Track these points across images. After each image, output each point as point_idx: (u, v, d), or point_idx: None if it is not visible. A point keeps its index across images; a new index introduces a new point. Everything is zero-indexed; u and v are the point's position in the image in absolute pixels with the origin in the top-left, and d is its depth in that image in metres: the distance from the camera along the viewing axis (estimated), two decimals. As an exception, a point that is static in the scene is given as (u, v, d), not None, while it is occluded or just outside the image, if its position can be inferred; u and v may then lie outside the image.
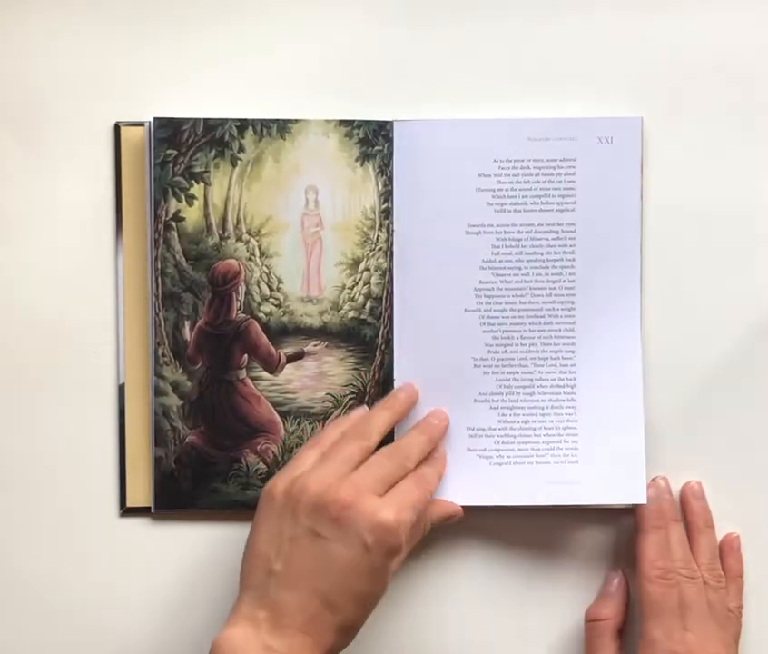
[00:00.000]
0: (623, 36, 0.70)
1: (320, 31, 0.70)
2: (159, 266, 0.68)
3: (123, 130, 0.69)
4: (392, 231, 0.69)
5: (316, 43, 0.70)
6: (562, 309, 0.69)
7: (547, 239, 0.69)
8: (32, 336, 0.70)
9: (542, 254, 0.69)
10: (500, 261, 0.69)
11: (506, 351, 0.69)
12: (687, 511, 0.69)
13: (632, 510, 0.69)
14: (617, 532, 0.70)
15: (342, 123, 0.69)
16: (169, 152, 0.68)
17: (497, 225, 0.68)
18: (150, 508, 0.69)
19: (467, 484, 0.68)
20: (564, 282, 0.69)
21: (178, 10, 0.69)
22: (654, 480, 0.69)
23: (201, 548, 0.70)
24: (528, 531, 0.70)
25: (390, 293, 0.69)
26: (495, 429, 0.69)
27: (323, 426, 0.69)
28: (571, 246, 0.69)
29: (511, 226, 0.68)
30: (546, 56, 0.70)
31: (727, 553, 0.68)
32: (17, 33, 0.69)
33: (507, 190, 0.69)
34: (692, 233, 0.70)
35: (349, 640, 0.61)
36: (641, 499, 0.67)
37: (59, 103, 0.69)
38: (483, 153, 0.69)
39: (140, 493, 0.70)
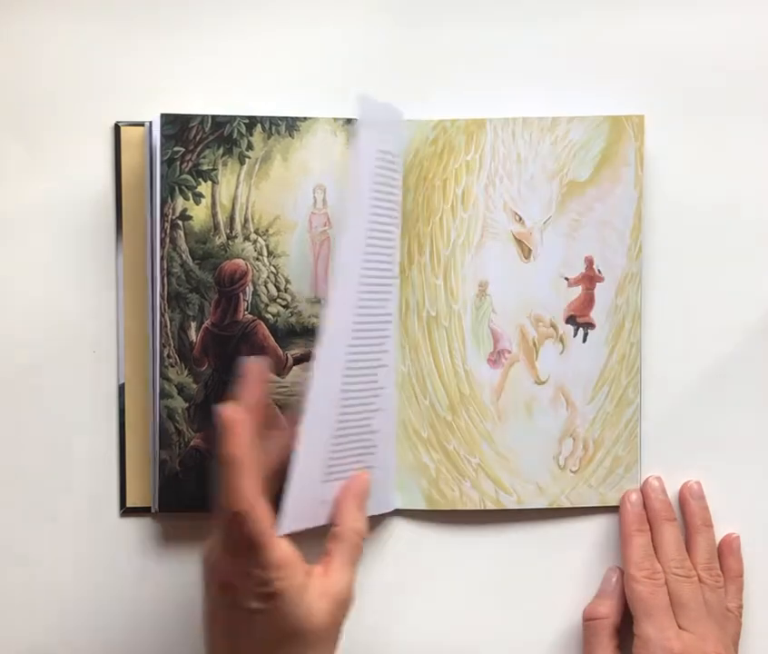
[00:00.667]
0: (624, 36, 0.70)
1: (325, 29, 0.70)
2: (165, 266, 0.68)
3: (123, 130, 0.69)
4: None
5: (321, 41, 0.70)
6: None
7: None
8: (31, 336, 0.70)
9: None
10: None
11: None
12: (686, 511, 0.69)
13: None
14: (616, 531, 0.70)
15: (351, 121, 0.68)
16: (176, 149, 0.67)
17: None
18: (150, 508, 0.69)
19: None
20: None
21: (179, 10, 0.69)
22: (646, 480, 0.69)
23: (201, 548, 0.70)
24: (527, 530, 0.70)
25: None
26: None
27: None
28: None
29: None
30: (547, 56, 0.70)
31: (727, 553, 0.68)
32: (17, 33, 0.69)
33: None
34: (692, 233, 0.70)
35: None
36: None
37: (59, 103, 0.69)
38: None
39: (140, 493, 0.69)
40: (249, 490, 0.56)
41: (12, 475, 0.70)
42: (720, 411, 0.70)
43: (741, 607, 0.68)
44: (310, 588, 0.58)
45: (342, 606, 0.60)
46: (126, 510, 0.70)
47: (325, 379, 0.62)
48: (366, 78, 0.70)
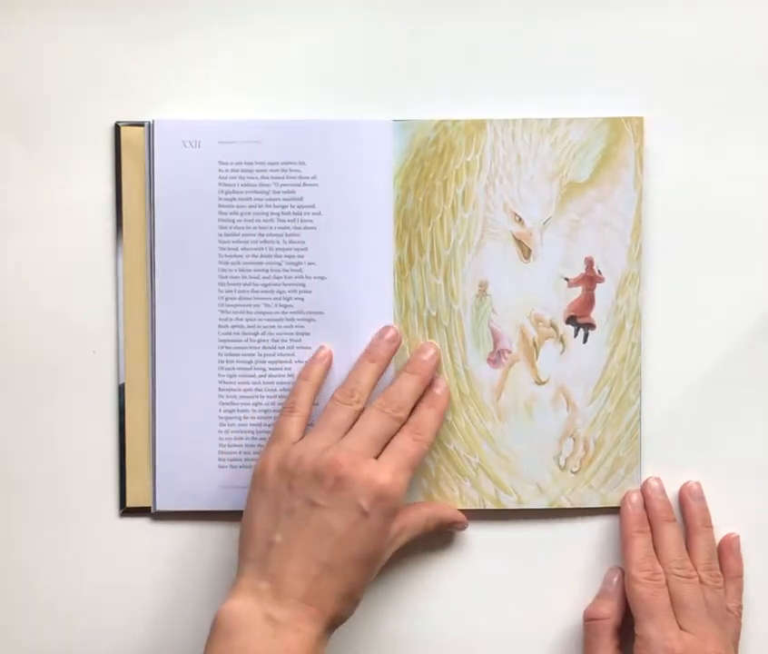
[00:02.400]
0: (623, 37, 0.69)
1: (320, 31, 0.70)
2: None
3: (123, 130, 0.69)
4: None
5: (317, 43, 0.70)
6: None
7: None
8: (32, 336, 0.70)
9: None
10: None
11: None
12: (685, 512, 0.69)
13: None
14: (616, 532, 0.70)
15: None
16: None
17: None
18: (150, 508, 0.69)
19: None
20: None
21: (178, 10, 0.69)
22: (646, 481, 0.69)
23: (202, 547, 0.70)
24: (527, 530, 0.70)
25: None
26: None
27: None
28: None
29: None
30: (547, 57, 0.70)
31: (727, 554, 0.68)
32: (17, 33, 0.69)
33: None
34: (692, 234, 0.70)
35: (352, 608, 0.62)
36: None
37: (59, 103, 0.69)
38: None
39: (140, 493, 0.69)
40: None
41: (12, 475, 0.70)
42: (720, 411, 0.70)
43: (740, 607, 0.68)
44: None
45: None
46: (126, 510, 0.70)
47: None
48: (366, 79, 0.70)
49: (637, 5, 0.69)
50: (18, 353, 0.70)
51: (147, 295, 0.69)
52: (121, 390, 0.70)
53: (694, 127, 0.69)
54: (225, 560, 0.69)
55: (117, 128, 0.69)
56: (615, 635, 0.67)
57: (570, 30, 0.70)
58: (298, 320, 0.69)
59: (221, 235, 0.68)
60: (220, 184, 0.68)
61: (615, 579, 0.69)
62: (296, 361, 0.68)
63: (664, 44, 0.69)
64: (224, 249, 0.68)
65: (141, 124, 0.69)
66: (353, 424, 0.64)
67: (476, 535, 0.70)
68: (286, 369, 0.69)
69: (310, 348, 0.68)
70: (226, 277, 0.68)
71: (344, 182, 0.68)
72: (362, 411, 0.65)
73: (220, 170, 0.68)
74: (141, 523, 0.70)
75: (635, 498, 0.68)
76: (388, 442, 0.63)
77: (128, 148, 0.69)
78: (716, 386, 0.70)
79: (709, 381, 0.70)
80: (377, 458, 0.62)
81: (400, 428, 0.64)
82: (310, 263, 0.68)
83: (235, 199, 0.68)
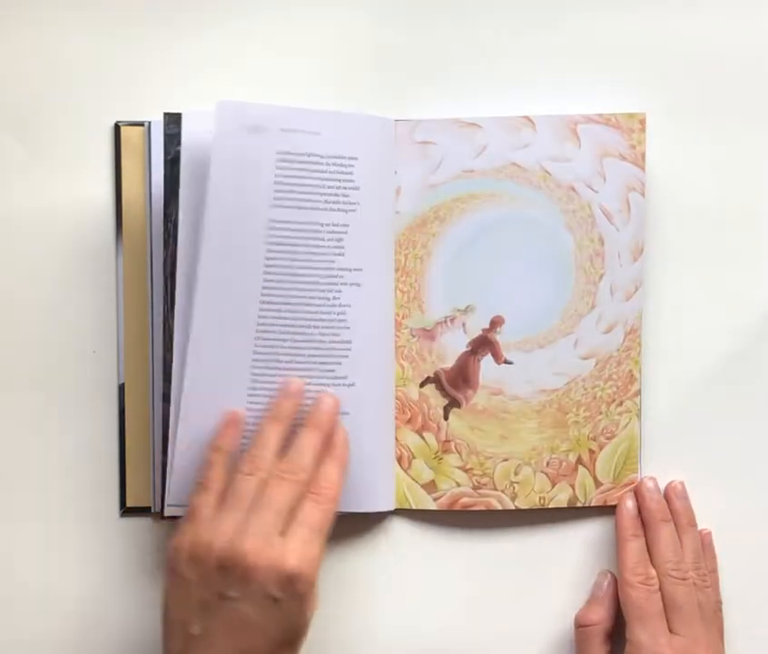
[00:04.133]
0: (625, 34, 0.70)
1: (320, 31, 0.70)
2: (168, 267, 0.67)
3: (123, 130, 0.69)
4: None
5: (316, 43, 0.70)
6: None
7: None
8: (32, 336, 0.70)
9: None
10: None
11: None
12: (671, 512, 0.68)
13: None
14: (608, 535, 0.70)
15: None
16: (178, 149, 0.66)
17: None
18: (150, 508, 0.69)
19: None
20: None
21: (178, 10, 0.69)
22: (641, 481, 0.69)
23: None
24: (519, 533, 0.70)
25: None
26: None
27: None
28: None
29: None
30: (548, 54, 0.70)
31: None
32: (17, 33, 0.69)
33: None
34: (693, 233, 0.70)
35: None
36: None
37: (59, 102, 0.69)
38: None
39: (140, 493, 0.69)
40: None
41: (12, 475, 0.70)
42: (720, 411, 0.70)
43: (720, 602, 0.68)
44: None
45: None
46: (126, 510, 0.70)
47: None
48: (358, 80, 0.70)
49: (639, 5, 0.69)
50: (18, 353, 0.70)
51: (147, 295, 0.69)
52: (121, 390, 0.70)
53: (695, 125, 0.70)
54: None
55: (117, 128, 0.69)
56: (606, 640, 0.67)
57: (571, 29, 0.70)
58: (335, 317, 0.67)
59: (271, 229, 0.66)
60: (277, 175, 0.65)
61: (606, 584, 0.69)
62: (330, 360, 0.67)
63: (667, 44, 0.70)
64: (273, 243, 0.66)
65: (141, 124, 0.69)
66: (259, 492, 0.62)
67: (474, 535, 0.70)
68: (319, 369, 0.67)
69: (343, 343, 0.67)
70: (271, 271, 0.66)
71: (381, 179, 0.68)
72: (269, 475, 0.62)
73: (278, 160, 0.65)
74: (141, 523, 0.70)
75: (630, 502, 0.68)
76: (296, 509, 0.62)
77: (128, 148, 0.69)
78: (717, 386, 0.70)
79: (709, 381, 0.70)
80: (284, 533, 0.61)
81: (305, 491, 0.62)
82: (347, 267, 0.67)
83: (291, 191, 0.66)
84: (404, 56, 0.70)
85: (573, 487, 0.69)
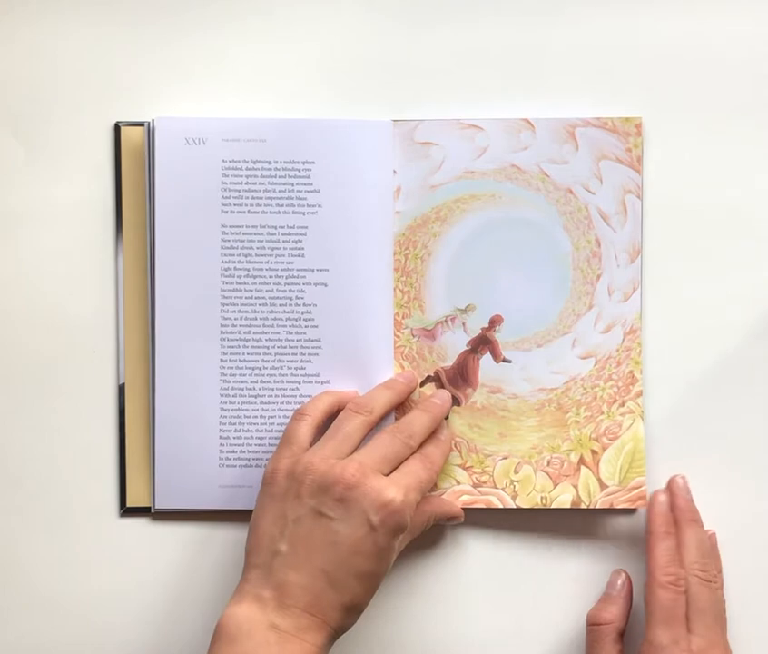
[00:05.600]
0: (622, 38, 0.70)
1: (320, 31, 0.70)
2: (158, 267, 0.69)
3: (123, 130, 0.69)
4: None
5: (316, 43, 0.70)
6: None
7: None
8: (32, 336, 0.69)
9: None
10: None
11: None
12: (674, 507, 0.68)
13: (631, 511, 0.69)
14: (619, 533, 0.70)
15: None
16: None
17: None
18: (150, 508, 0.69)
19: None
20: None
21: (178, 10, 0.70)
22: (672, 479, 0.68)
23: (201, 547, 0.70)
24: (529, 531, 0.70)
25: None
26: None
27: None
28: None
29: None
30: (547, 56, 0.70)
31: None
32: (18, 33, 0.69)
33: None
34: (692, 234, 0.70)
35: (354, 620, 0.62)
36: None
37: (59, 103, 0.69)
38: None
39: (140, 493, 0.69)
40: None
41: (12, 475, 0.70)
42: (721, 411, 0.70)
43: (724, 602, 0.67)
44: None
45: None
46: (126, 510, 0.70)
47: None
48: (366, 79, 0.70)
49: (637, 6, 0.70)
50: (18, 353, 0.69)
51: (147, 295, 0.69)
52: (121, 390, 0.69)
53: (693, 127, 0.70)
54: (225, 560, 0.69)
55: (117, 128, 0.69)
56: (618, 640, 0.66)
57: (570, 31, 0.70)
58: (300, 316, 0.69)
59: (224, 234, 0.68)
60: (223, 183, 0.68)
61: (620, 583, 0.68)
62: (298, 358, 0.69)
63: (664, 45, 0.70)
64: (227, 248, 0.68)
65: (141, 124, 0.69)
66: (364, 437, 0.64)
67: (476, 535, 0.70)
68: (288, 367, 0.69)
69: (311, 341, 0.69)
70: (228, 276, 0.68)
71: (345, 181, 0.68)
72: (374, 424, 0.65)
73: (223, 168, 0.68)
74: (141, 523, 0.70)
75: (663, 497, 0.68)
76: (398, 466, 0.64)
77: (128, 148, 0.69)
78: (717, 386, 0.70)
79: (709, 381, 0.70)
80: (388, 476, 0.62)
81: (410, 456, 0.64)
82: (309, 268, 0.68)
83: (239, 197, 0.68)
84: (404, 57, 0.70)
85: (576, 488, 0.69)
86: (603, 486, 0.69)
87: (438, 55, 0.70)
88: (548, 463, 0.69)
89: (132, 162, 0.69)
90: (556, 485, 0.69)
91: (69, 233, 0.69)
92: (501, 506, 0.69)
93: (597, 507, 0.69)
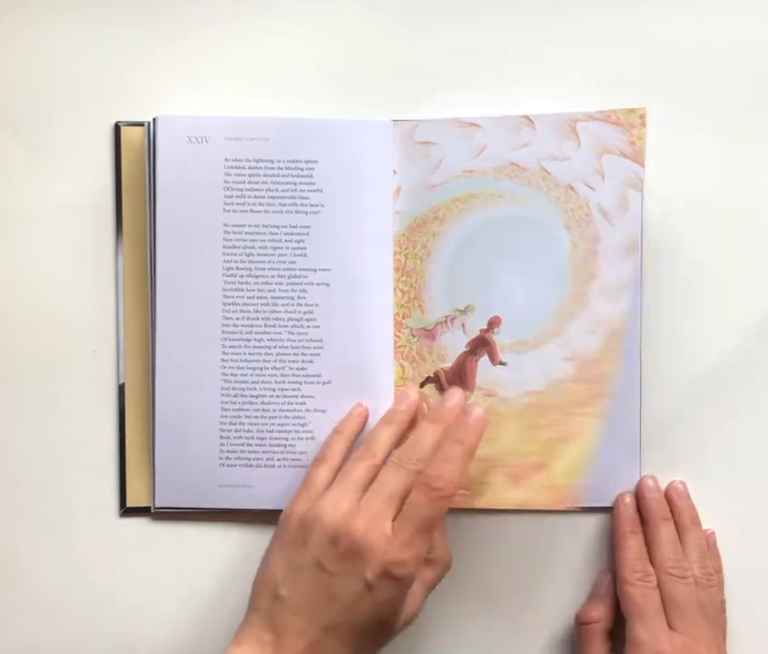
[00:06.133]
0: (624, 32, 0.70)
1: (320, 31, 0.70)
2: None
3: (123, 130, 0.69)
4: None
5: (316, 42, 0.70)
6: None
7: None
8: (32, 336, 0.70)
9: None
10: None
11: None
12: (673, 511, 0.68)
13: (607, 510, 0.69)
14: (608, 534, 0.69)
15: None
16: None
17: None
18: (150, 508, 0.69)
19: None
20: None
21: (178, 10, 0.70)
22: (641, 479, 0.69)
23: (202, 547, 0.70)
24: (524, 531, 0.70)
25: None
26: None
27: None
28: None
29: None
30: (547, 54, 0.70)
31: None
32: (18, 33, 0.69)
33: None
34: (692, 232, 0.69)
35: None
36: None
37: (59, 102, 0.69)
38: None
39: (140, 493, 0.69)
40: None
41: (12, 475, 0.70)
42: (720, 411, 0.70)
43: (724, 602, 0.68)
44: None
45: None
46: (126, 510, 0.70)
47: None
48: (358, 80, 0.70)
49: (639, 1, 0.69)
50: (18, 353, 0.70)
51: (147, 295, 0.69)
52: (121, 390, 0.70)
53: (695, 123, 0.69)
54: (225, 560, 0.69)
55: (117, 128, 0.69)
56: (607, 638, 0.67)
57: (570, 27, 0.70)
58: (301, 317, 0.68)
59: (226, 233, 0.68)
60: (225, 181, 0.68)
61: (607, 582, 0.68)
62: (300, 359, 0.68)
63: (667, 40, 0.69)
64: (229, 247, 0.68)
65: (141, 124, 0.69)
66: (370, 481, 0.63)
67: (474, 535, 0.70)
68: (289, 367, 0.68)
69: (313, 342, 0.68)
70: (230, 275, 0.68)
71: (347, 181, 0.68)
72: (380, 466, 0.63)
73: (226, 167, 0.68)
74: (141, 523, 0.70)
75: (628, 499, 0.68)
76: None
77: (128, 148, 0.69)
78: (716, 386, 0.69)
79: (709, 381, 0.70)
80: (395, 519, 0.61)
81: (418, 480, 0.62)
82: (312, 268, 0.68)
83: (241, 196, 0.68)
84: (404, 57, 0.70)
85: (533, 488, 0.69)
86: (555, 487, 0.69)
87: (438, 55, 0.70)
88: (513, 466, 0.69)
89: (133, 162, 0.69)
90: (516, 485, 0.69)
91: (69, 233, 0.70)
92: (503, 507, 0.69)
93: (591, 504, 0.69)
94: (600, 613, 0.67)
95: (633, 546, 0.67)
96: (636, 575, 0.66)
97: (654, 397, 0.69)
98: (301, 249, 0.68)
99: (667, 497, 0.69)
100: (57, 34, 0.69)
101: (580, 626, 0.68)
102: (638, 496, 0.68)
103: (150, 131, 0.68)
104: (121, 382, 0.70)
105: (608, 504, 0.69)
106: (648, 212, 0.69)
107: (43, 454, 0.70)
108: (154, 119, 0.68)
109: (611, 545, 0.69)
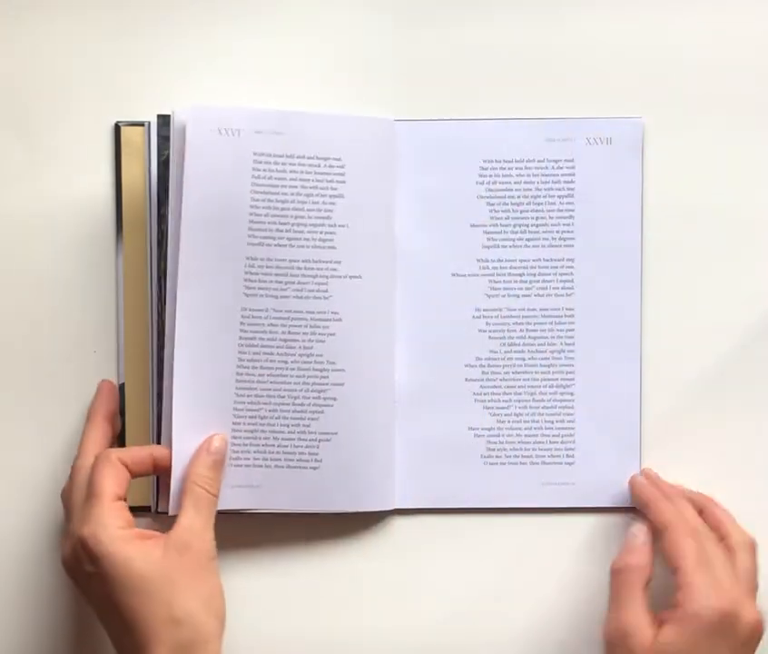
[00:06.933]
0: (623, 36, 0.70)
1: (321, 30, 0.70)
2: (162, 267, 0.67)
3: (124, 130, 0.69)
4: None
5: (317, 42, 0.70)
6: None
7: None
8: (32, 336, 0.69)
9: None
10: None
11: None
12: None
13: (628, 509, 0.69)
14: (612, 532, 0.70)
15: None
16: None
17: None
18: (150, 508, 0.69)
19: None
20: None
21: (178, 10, 0.70)
22: (644, 470, 0.69)
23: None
24: (525, 530, 0.70)
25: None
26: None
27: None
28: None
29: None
30: (547, 56, 0.70)
31: None
32: (17, 33, 0.69)
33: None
34: (692, 234, 0.70)
35: None
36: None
37: (59, 102, 0.69)
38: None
39: (140, 493, 0.69)
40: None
41: (12, 475, 0.70)
42: (720, 411, 0.70)
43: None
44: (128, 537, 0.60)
45: (180, 548, 0.61)
46: (126, 510, 0.70)
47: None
48: (359, 80, 0.70)
49: (638, 7, 0.70)
50: (18, 353, 0.69)
51: (147, 295, 0.68)
52: (121, 389, 0.69)
53: (694, 127, 0.70)
54: (228, 560, 0.69)
55: (117, 128, 0.69)
56: (647, 587, 0.63)
57: (570, 30, 0.70)
58: (321, 318, 0.67)
59: (251, 227, 0.66)
60: (253, 176, 0.66)
61: (643, 534, 0.65)
62: (317, 360, 0.68)
63: (665, 47, 0.70)
64: (252, 244, 0.66)
65: (141, 124, 0.69)
66: None
67: (475, 535, 0.70)
68: (305, 370, 0.68)
69: (326, 342, 0.68)
70: (252, 273, 0.67)
71: (370, 180, 0.68)
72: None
73: (255, 161, 0.66)
74: (141, 523, 0.69)
75: (640, 477, 0.68)
76: None
77: (128, 148, 0.69)
78: (716, 386, 0.70)
79: (709, 381, 0.70)
80: None
81: None
82: (336, 261, 0.67)
83: (268, 192, 0.66)
84: (403, 57, 0.70)
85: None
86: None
87: (438, 56, 0.70)
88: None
89: (133, 162, 0.69)
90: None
91: (69, 234, 0.69)
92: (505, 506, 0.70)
93: (593, 505, 0.70)
94: (639, 560, 0.64)
95: (669, 507, 0.65)
96: (690, 530, 0.63)
97: (655, 397, 0.70)
98: (329, 241, 0.67)
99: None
100: (58, 35, 0.69)
101: (618, 574, 0.64)
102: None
103: (149, 129, 0.68)
104: (121, 382, 0.69)
105: (608, 504, 0.70)
106: (648, 214, 0.69)
107: (43, 454, 0.70)
108: (192, 108, 0.65)
109: (613, 544, 0.69)
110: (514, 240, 0.69)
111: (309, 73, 0.70)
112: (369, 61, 0.70)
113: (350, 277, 0.68)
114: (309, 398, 0.68)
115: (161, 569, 0.59)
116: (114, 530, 0.60)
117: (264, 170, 0.66)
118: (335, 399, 0.68)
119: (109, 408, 0.68)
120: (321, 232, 0.67)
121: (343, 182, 0.67)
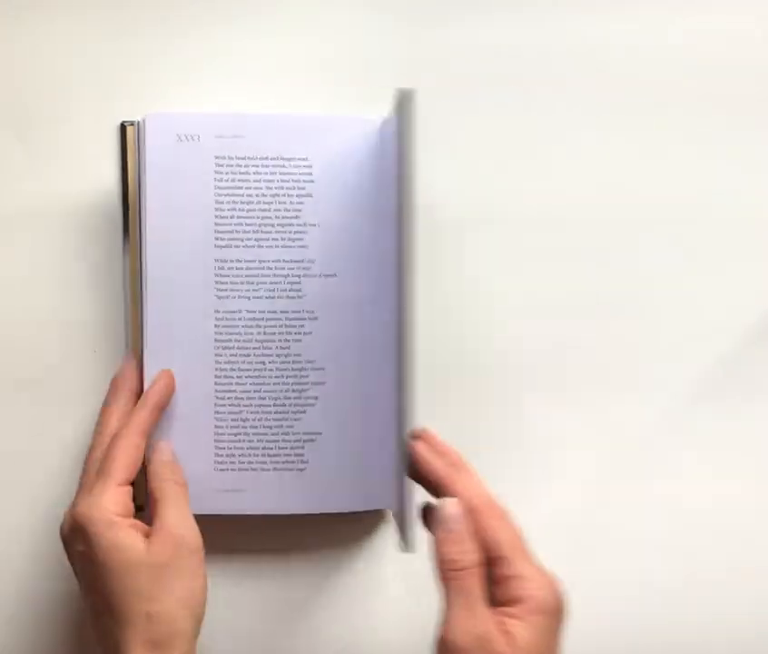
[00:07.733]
0: (623, 36, 0.69)
1: (321, 30, 0.70)
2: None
3: (129, 130, 0.69)
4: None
5: (317, 42, 0.70)
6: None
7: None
8: (32, 336, 0.70)
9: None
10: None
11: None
12: None
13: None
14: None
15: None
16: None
17: None
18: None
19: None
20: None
21: (179, 10, 0.70)
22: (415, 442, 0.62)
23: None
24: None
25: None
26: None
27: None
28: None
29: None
30: (546, 57, 0.70)
31: None
32: (21, 33, 0.70)
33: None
34: (692, 233, 0.69)
35: None
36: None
37: (64, 102, 0.70)
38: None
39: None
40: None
41: (11, 475, 0.70)
42: (720, 411, 0.69)
43: None
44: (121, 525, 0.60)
45: (168, 543, 0.61)
46: (125, 510, 0.70)
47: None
48: (357, 79, 0.70)
49: (636, 7, 0.69)
50: (18, 353, 0.70)
51: (138, 292, 0.69)
52: (124, 389, 0.70)
53: (692, 126, 0.69)
54: (217, 566, 0.69)
55: (123, 128, 0.69)
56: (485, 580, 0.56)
57: (570, 30, 0.70)
58: (296, 317, 0.68)
59: (217, 230, 0.67)
60: (216, 180, 0.67)
61: (463, 517, 0.57)
62: (295, 360, 0.68)
63: (662, 48, 0.69)
64: (220, 246, 0.67)
65: (141, 124, 0.69)
66: None
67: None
68: (284, 370, 0.68)
69: (303, 341, 0.68)
70: (222, 275, 0.67)
71: (342, 179, 0.68)
72: None
73: (216, 165, 0.67)
74: (138, 523, 0.70)
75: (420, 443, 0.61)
76: None
77: (134, 148, 0.69)
78: (716, 386, 0.69)
79: (708, 382, 0.69)
80: None
81: None
82: (310, 260, 0.68)
83: (232, 194, 0.67)
84: (403, 57, 0.70)
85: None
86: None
87: (433, 55, 0.70)
88: None
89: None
90: None
91: (74, 233, 0.70)
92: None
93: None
94: (470, 549, 0.56)
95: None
96: (499, 510, 0.58)
97: (653, 397, 0.69)
98: (297, 238, 0.68)
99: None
100: (58, 35, 0.70)
101: (450, 572, 0.56)
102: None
103: (138, 129, 0.68)
104: (125, 382, 0.70)
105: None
106: (645, 214, 0.69)
107: (43, 454, 0.70)
108: (148, 116, 0.67)
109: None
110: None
111: (309, 73, 0.70)
112: (369, 61, 0.70)
113: (325, 276, 0.67)
114: (290, 398, 0.68)
115: (145, 563, 0.60)
116: (110, 515, 0.60)
117: (227, 173, 0.67)
118: (316, 398, 0.68)
119: (133, 384, 0.67)
120: (290, 232, 0.67)
121: (311, 181, 0.67)
